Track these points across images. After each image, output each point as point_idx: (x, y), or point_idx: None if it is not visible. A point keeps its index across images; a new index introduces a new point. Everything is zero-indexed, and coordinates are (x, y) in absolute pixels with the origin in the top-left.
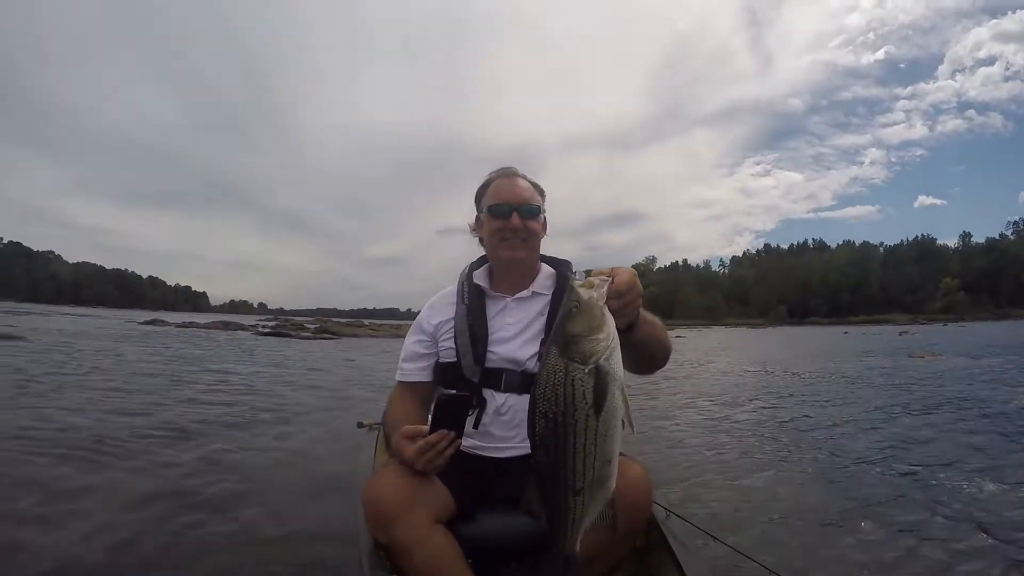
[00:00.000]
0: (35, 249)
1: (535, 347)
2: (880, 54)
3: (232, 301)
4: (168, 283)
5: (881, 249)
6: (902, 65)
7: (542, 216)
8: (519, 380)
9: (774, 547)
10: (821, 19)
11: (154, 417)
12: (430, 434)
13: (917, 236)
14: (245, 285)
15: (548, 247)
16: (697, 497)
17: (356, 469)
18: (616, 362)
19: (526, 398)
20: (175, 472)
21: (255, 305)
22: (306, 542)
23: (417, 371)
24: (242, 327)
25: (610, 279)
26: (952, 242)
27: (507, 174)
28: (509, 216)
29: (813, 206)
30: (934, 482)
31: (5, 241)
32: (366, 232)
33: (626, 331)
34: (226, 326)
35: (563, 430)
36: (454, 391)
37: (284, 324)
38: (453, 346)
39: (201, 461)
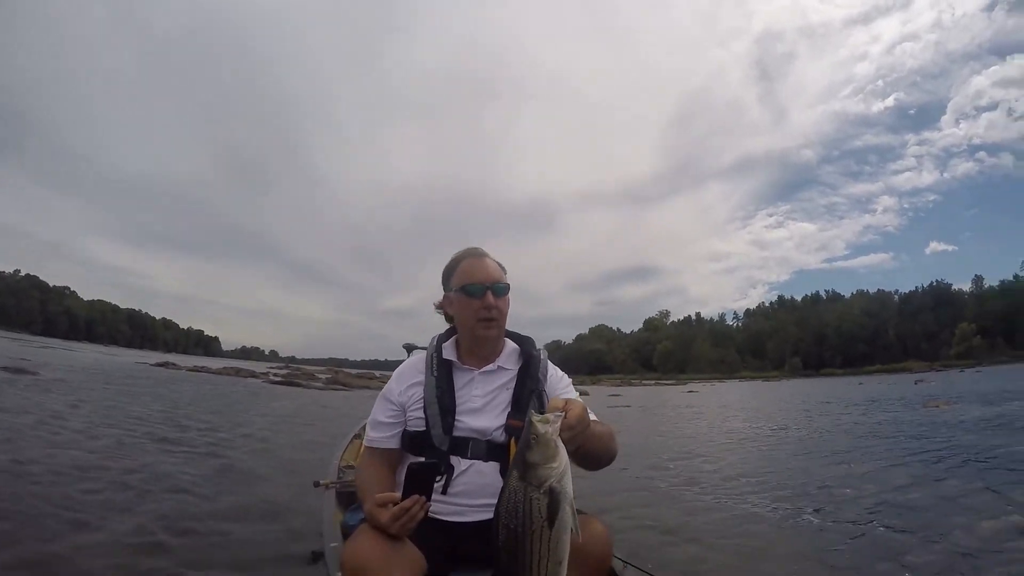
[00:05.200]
0: (51, 284)
1: (501, 419)
2: (890, 101)
3: (244, 347)
4: (181, 326)
5: (896, 297)
6: (912, 111)
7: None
8: (484, 448)
9: None
10: (831, 69)
11: (116, 464)
12: (403, 500)
13: (932, 282)
14: (258, 332)
15: (564, 302)
16: (661, 549)
17: (320, 529)
18: (567, 483)
19: (491, 465)
20: (125, 525)
21: (267, 352)
22: None
23: (385, 439)
24: (253, 374)
25: (563, 414)
26: (966, 287)
27: (475, 255)
28: (483, 295)
29: (826, 256)
30: (924, 545)
31: (23, 274)
32: (382, 284)
33: (575, 449)
34: (237, 372)
35: (522, 539)
36: (423, 459)
37: (295, 373)
38: (422, 416)
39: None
